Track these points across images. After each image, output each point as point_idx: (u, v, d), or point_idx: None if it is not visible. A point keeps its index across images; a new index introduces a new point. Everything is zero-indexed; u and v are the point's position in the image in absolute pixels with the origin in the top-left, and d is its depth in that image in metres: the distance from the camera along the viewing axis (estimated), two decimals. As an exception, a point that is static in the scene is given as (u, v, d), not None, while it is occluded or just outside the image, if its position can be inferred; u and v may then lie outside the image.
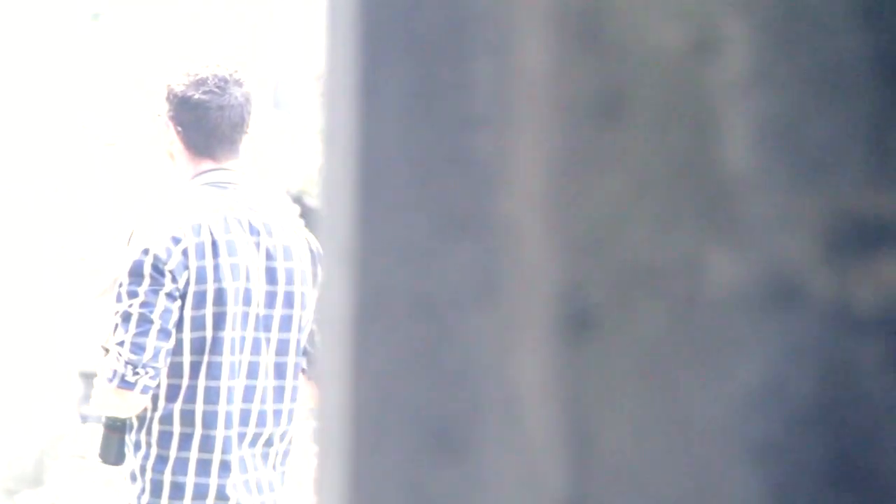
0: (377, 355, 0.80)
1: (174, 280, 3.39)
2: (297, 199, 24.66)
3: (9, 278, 18.60)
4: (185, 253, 3.42)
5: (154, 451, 3.43)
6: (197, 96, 3.56)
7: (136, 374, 3.37)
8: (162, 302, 3.39)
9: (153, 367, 3.37)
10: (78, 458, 18.74)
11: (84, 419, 20.98)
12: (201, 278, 3.46)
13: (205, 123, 3.56)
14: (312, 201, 25.22)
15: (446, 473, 0.79)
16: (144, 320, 3.37)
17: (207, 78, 3.58)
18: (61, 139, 19.95)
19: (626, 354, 0.74)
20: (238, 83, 3.60)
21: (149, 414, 3.46)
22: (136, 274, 3.42)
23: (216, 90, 3.56)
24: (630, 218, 0.74)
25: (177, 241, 3.42)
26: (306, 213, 25.57)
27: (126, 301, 3.41)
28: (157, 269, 3.41)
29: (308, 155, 26.74)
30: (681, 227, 0.74)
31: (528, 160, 0.76)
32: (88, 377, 21.95)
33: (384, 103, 0.81)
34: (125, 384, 3.38)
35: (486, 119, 0.78)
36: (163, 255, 3.40)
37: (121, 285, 3.46)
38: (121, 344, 3.38)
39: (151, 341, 3.36)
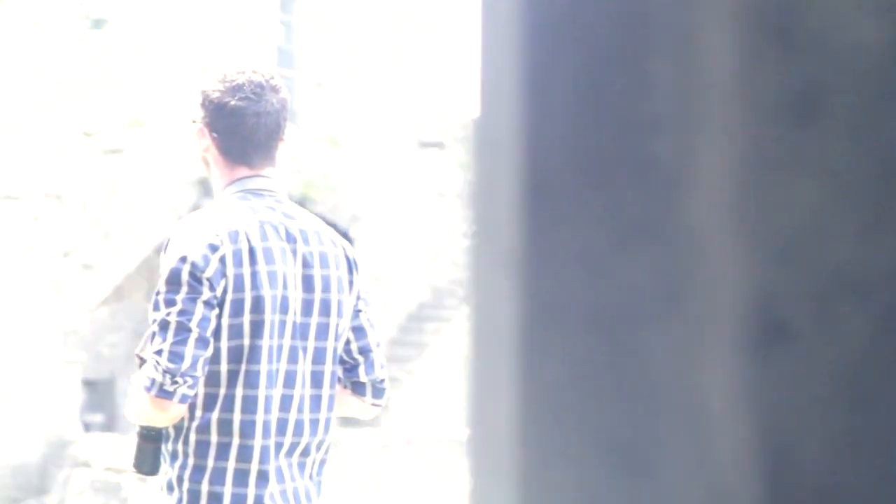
0: (548, 369, 0.76)
1: (212, 288, 3.35)
2: (300, 204, 24.48)
3: (13, 288, 18.54)
4: (222, 260, 3.38)
5: (191, 460, 3.38)
6: (233, 103, 3.50)
7: (174, 383, 3.30)
8: (200, 310, 3.34)
9: (192, 377, 3.31)
10: (82, 467, 18.66)
11: (87, 427, 20.90)
12: (238, 286, 3.40)
13: (240, 130, 3.50)
14: (315, 206, 25.09)
15: (626, 493, 0.75)
16: (182, 329, 3.33)
17: (243, 84, 3.51)
18: (65, 145, 19.86)
19: (826, 366, 0.71)
20: (274, 89, 3.55)
21: (186, 423, 3.40)
22: (173, 282, 3.37)
23: (252, 96, 3.50)
24: (829, 224, 0.70)
25: (214, 248, 3.37)
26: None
27: (164, 309, 3.36)
28: (195, 277, 3.36)
29: (310, 160, 26.64)
30: (884, 232, 0.70)
31: (714, 164, 0.73)
32: (92, 385, 21.86)
33: (553, 105, 0.77)
34: (163, 394, 3.31)
35: (666, 121, 0.74)
36: (200, 263, 3.36)
37: (158, 293, 3.42)
38: (158, 353, 3.33)
39: (189, 350, 3.32)
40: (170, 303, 3.36)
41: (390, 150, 26.23)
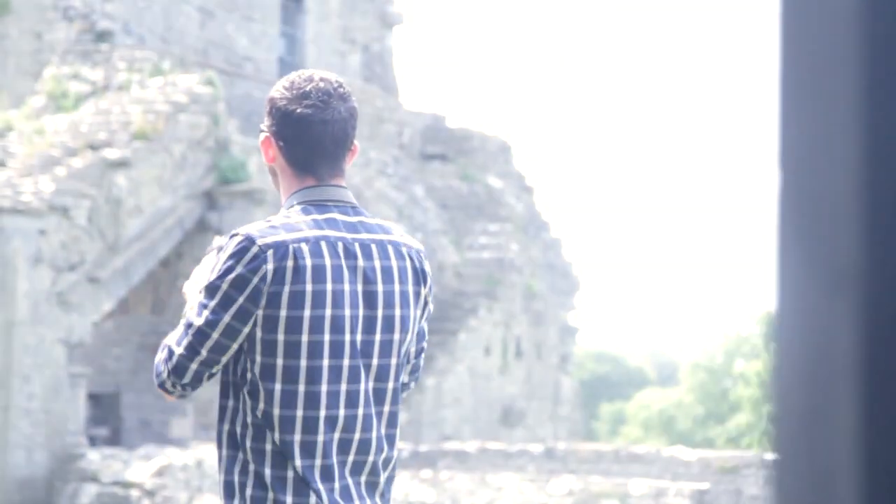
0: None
1: (250, 300, 3.30)
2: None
3: (19, 302, 18.44)
4: (263, 277, 3.30)
5: (252, 467, 3.32)
6: (299, 110, 3.42)
7: (174, 387, 3.39)
8: (226, 321, 3.30)
9: (191, 388, 3.39)
10: (89, 481, 18.56)
11: (92, 441, 20.81)
12: (296, 303, 3.32)
13: (306, 138, 3.43)
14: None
15: None
16: (201, 338, 3.32)
17: (310, 91, 3.43)
18: (71, 158, 19.76)
19: None
20: (342, 97, 3.46)
21: (248, 443, 3.34)
22: (211, 289, 3.32)
23: (319, 104, 3.42)
24: None
25: (259, 261, 3.30)
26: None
27: (195, 311, 3.34)
28: (237, 287, 3.31)
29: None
30: None
31: None
32: (96, 399, 21.81)
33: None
34: (164, 389, 3.42)
35: None
36: (247, 275, 3.30)
37: (200, 292, 3.37)
38: (169, 355, 3.36)
39: (194, 367, 3.34)
40: (202, 307, 3.33)
41: (394, 161, 26.19)
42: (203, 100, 21.36)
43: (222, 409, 3.40)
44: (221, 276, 3.31)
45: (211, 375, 3.40)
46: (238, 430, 3.34)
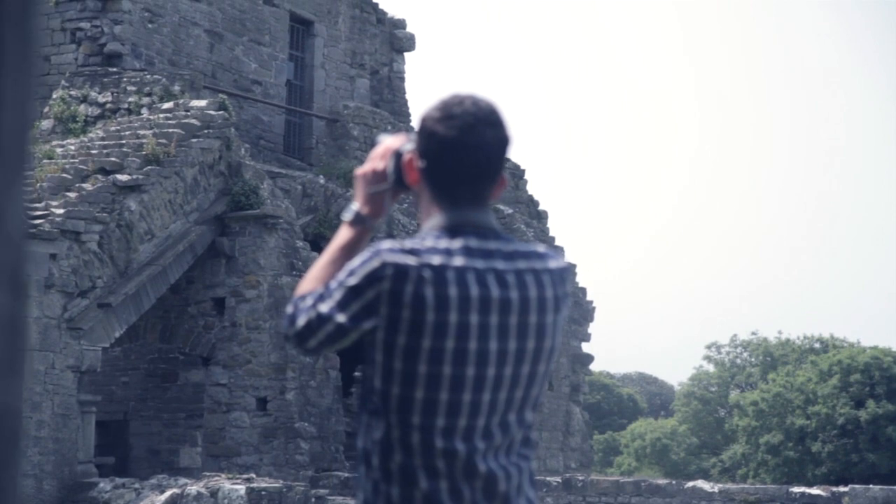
0: None
1: (363, 312, 3.24)
2: (314, 243, 24.15)
3: (30, 327, 18.11)
4: (398, 297, 3.21)
5: (395, 490, 3.26)
6: (443, 132, 3.31)
7: (294, 336, 3.34)
8: (340, 322, 3.26)
9: (309, 349, 3.37)
10: (100, 511, 18.18)
11: (100, 471, 20.42)
12: (440, 333, 3.20)
13: (448, 162, 3.31)
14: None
15: None
16: (326, 322, 3.28)
17: (458, 115, 3.32)
18: (82, 182, 19.45)
19: None
20: (491, 124, 3.33)
21: (393, 466, 3.26)
22: (358, 290, 3.24)
23: (465, 128, 3.30)
24: None
25: (376, 280, 3.23)
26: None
27: (332, 294, 3.28)
28: (352, 295, 3.25)
29: (324, 198, 26.20)
30: None
31: None
32: (104, 427, 21.43)
33: None
34: (288, 332, 3.38)
35: None
36: (366, 288, 3.24)
37: (343, 279, 3.28)
38: (293, 315, 3.35)
39: (318, 337, 3.31)
40: (340, 305, 3.27)
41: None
42: (215, 123, 21.12)
43: (359, 426, 3.36)
44: (342, 282, 3.27)
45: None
46: (369, 447, 3.29)
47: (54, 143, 20.96)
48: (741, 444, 48.72)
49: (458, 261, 3.25)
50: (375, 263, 3.22)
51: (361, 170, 3.53)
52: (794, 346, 56.11)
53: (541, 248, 3.44)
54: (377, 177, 3.49)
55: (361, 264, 3.24)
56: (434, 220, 3.32)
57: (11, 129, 1.23)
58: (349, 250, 3.44)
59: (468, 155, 3.30)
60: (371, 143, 27.78)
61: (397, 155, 3.45)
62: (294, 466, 20.42)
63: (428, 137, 3.32)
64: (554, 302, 3.35)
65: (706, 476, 48.71)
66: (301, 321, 3.31)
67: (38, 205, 18.84)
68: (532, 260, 3.34)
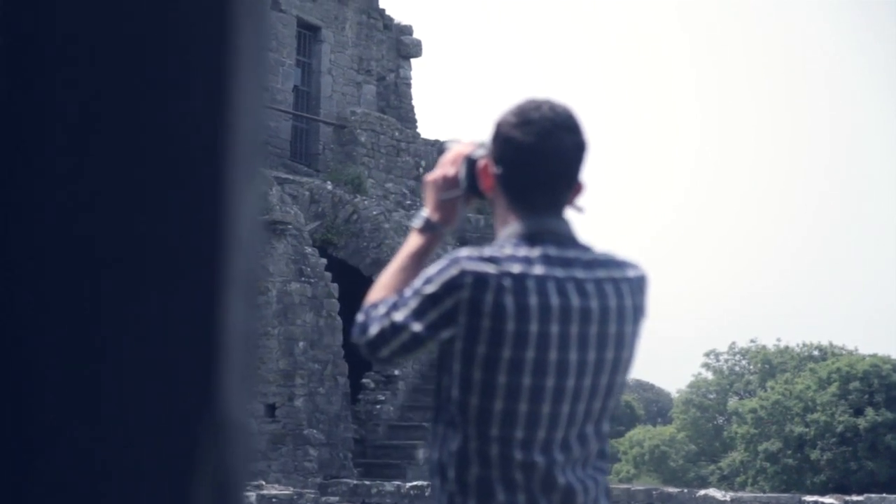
0: None
1: (440, 320, 3.17)
2: (321, 249, 24.16)
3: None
4: (477, 305, 3.15)
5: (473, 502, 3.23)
6: (520, 138, 3.24)
7: (364, 344, 3.27)
8: (416, 331, 3.19)
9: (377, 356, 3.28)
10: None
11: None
12: (520, 343, 3.15)
13: (523, 167, 3.25)
14: (337, 252, 24.62)
15: None
16: (401, 331, 3.21)
17: (535, 120, 3.25)
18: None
19: None
20: (569, 129, 3.26)
21: (469, 478, 3.21)
22: (436, 299, 3.17)
23: (542, 133, 3.23)
24: None
25: (454, 288, 3.16)
26: (331, 264, 24.95)
27: (408, 302, 3.21)
28: (429, 302, 3.18)
29: (332, 204, 26.29)
30: None
31: None
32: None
33: None
34: (360, 340, 3.30)
35: None
36: (444, 296, 3.17)
37: (419, 287, 3.21)
38: (365, 325, 3.26)
39: (389, 348, 3.25)
40: (417, 312, 3.20)
41: (411, 192, 25.92)
42: (224, 129, 21.07)
43: (433, 437, 3.32)
44: (419, 290, 3.21)
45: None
46: (445, 459, 3.25)
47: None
48: (740, 451, 48.72)
49: (538, 269, 3.19)
50: (454, 271, 3.16)
51: (431, 176, 3.47)
52: (793, 354, 56.15)
53: (619, 256, 3.38)
54: (448, 183, 3.42)
55: (439, 272, 3.18)
56: (511, 227, 3.26)
57: (246, 126, 1.18)
58: (419, 258, 3.39)
59: (546, 161, 3.23)
60: (377, 149, 27.83)
61: (469, 161, 3.39)
62: (302, 473, 20.35)
63: (504, 143, 3.26)
64: (633, 311, 3.29)
65: (705, 483, 48.69)
66: (374, 330, 3.25)
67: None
68: (611, 269, 3.28)
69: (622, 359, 3.28)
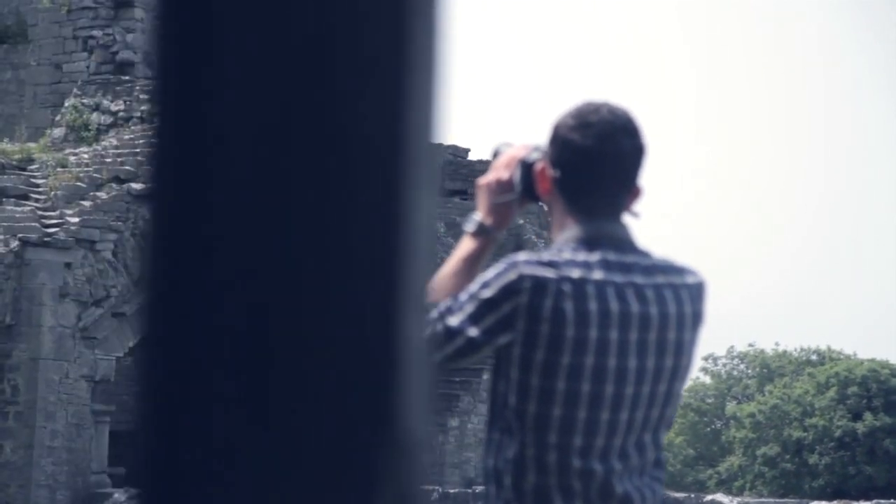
0: None
1: (503, 329, 3.13)
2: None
3: (44, 337, 18.06)
4: (536, 311, 3.12)
5: None
6: (579, 141, 3.21)
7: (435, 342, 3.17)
8: (472, 336, 3.15)
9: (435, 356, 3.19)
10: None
11: (114, 479, 20.38)
12: (580, 349, 3.12)
13: (582, 171, 3.22)
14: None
15: None
16: (456, 336, 3.16)
17: (594, 123, 3.22)
18: (97, 190, 19.43)
19: None
20: (629, 133, 3.23)
21: (526, 486, 3.18)
22: (493, 303, 3.14)
23: (602, 136, 3.20)
24: None
25: (512, 293, 3.13)
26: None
27: (463, 307, 3.17)
28: (486, 307, 3.15)
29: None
30: None
31: None
32: (115, 437, 21.45)
33: None
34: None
35: None
36: (500, 301, 3.14)
37: (476, 291, 3.18)
38: (433, 319, 3.18)
39: (440, 353, 3.17)
40: (473, 317, 3.16)
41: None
42: (229, 132, 21.13)
43: (488, 443, 3.27)
44: (475, 294, 3.18)
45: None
46: (501, 466, 3.21)
47: (67, 151, 20.92)
48: (738, 456, 48.75)
49: (598, 274, 3.15)
50: (512, 276, 3.12)
51: (484, 179, 3.44)
52: (792, 358, 56.19)
53: (678, 262, 3.35)
54: (502, 187, 3.39)
55: (497, 276, 3.14)
56: (569, 231, 3.22)
57: (418, 123, 1.15)
58: (472, 262, 3.35)
59: (605, 165, 3.20)
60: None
61: (524, 164, 3.36)
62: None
63: (562, 146, 3.22)
64: (692, 318, 3.25)
65: (703, 488, 48.69)
66: (426, 334, 3.19)
67: (52, 213, 18.79)
68: (670, 275, 3.25)
69: (681, 366, 3.24)
